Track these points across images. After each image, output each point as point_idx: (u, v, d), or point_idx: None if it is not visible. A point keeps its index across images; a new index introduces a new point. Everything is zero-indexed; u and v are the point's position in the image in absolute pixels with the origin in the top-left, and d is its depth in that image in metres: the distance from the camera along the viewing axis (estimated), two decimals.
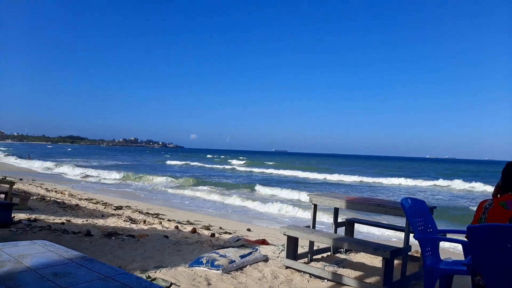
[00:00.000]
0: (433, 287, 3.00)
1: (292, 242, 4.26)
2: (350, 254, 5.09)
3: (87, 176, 25.08)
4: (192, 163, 49.19)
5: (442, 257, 3.39)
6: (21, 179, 17.08)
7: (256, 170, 38.70)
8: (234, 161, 57.16)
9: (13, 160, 36.94)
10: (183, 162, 50.91)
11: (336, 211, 4.82)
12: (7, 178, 10.23)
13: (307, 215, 12.15)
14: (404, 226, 3.96)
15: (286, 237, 4.28)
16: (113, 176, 25.43)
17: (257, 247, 5.13)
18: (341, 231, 5.18)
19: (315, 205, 4.38)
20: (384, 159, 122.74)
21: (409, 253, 4.11)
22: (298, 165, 51.80)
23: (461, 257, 3.92)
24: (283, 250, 4.99)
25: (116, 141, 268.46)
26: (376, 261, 4.85)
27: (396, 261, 4.16)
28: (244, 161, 58.06)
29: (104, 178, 24.20)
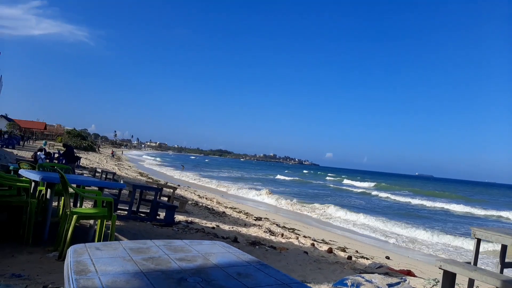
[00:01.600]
0: None
1: (449, 278, 3.86)
2: None
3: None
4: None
5: None
6: (179, 185, 19.50)
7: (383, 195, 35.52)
8: (362, 184, 53.65)
9: (168, 170, 41.88)
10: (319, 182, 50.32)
11: (503, 249, 4.19)
12: (168, 184, 11.81)
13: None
14: None
15: (435, 270, 3.91)
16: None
17: (405, 278, 4.80)
18: (508, 273, 4.47)
19: (479, 240, 3.90)
20: None
21: None
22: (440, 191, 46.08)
23: None
24: (435, 285, 4.57)
25: (257, 156, 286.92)
26: None
27: None
28: (374, 184, 53.91)
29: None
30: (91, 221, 4.44)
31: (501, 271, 4.26)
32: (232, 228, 8.55)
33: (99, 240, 3.96)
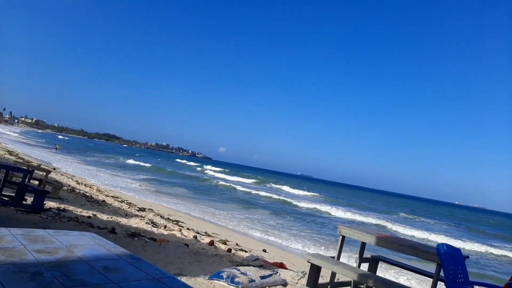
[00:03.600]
0: None
1: (315, 271, 4.22)
2: None
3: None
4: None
5: None
6: (54, 168, 17.67)
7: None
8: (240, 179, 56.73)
9: (42, 151, 38.11)
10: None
11: (363, 246, 4.74)
12: (41, 166, 10.63)
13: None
14: (433, 271, 3.86)
15: (305, 263, 4.24)
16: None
17: (277, 270, 5.10)
18: (364, 267, 5.07)
19: (343, 237, 4.33)
20: (415, 200, 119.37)
21: None
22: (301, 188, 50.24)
23: None
24: (303, 277, 4.94)
25: (149, 144, 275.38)
26: None
27: None
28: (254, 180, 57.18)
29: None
30: None
31: (359, 266, 4.81)
32: (111, 218, 8.08)
33: None
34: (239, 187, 32.62)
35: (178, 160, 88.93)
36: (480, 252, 18.40)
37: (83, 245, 1.82)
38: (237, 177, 50.25)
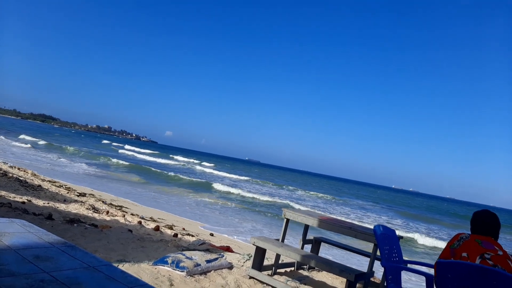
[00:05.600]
0: None
1: (260, 253, 4.29)
2: (313, 272, 5.16)
3: None
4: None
5: (403, 286, 3.51)
6: None
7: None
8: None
9: None
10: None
11: (306, 228, 4.89)
12: None
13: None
14: (370, 251, 4.08)
15: (251, 246, 4.31)
16: None
17: (223, 254, 5.12)
18: (308, 248, 5.25)
19: (288, 220, 4.43)
20: (350, 182, 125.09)
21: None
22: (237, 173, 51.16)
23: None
24: (248, 259, 5.01)
25: (89, 126, 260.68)
26: (336, 282, 4.95)
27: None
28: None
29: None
30: None
31: (302, 247, 4.97)
32: (49, 203, 7.63)
33: None
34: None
35: (105, 141, 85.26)
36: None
37: (12, 233, 1.69)
38: (155, 158, 49.72)
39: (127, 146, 68.26)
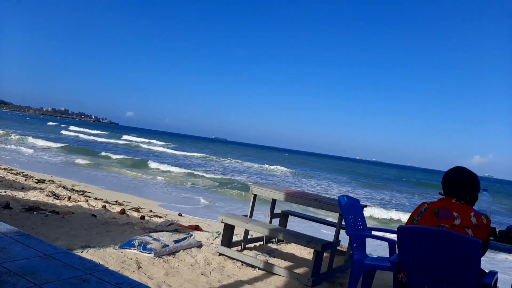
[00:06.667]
0: (357, 280, 3.21)
1: (229, 230, 4.30)
2: (281, 244, 5.26)
3: None
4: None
5: (368, 253, 3.64)
6: None
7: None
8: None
9: None
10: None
11: (273, 203, 4.94)
12: None
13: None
14: (336, 221, 4.18)
15: (220, 224, 4.31)
16: None
17: (191, 233, 5.10)
18: (276, 222, 5.33)
19: (255, 195, 4.45)
20: (313, 155, 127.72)
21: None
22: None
23: (386, 254, 4.23)
24: (217, 237, 5.03)
25: (44, 109, 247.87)
26: (305, 253, 5.07)
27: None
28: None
29: None
30: None
31: (270, 222, 5.02)
32: (5, 192, 7.26)
33: None
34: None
35: (50, 123, 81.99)
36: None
37: None
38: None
39: (72, 127, 66.76)
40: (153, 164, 22.64)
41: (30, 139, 28.30)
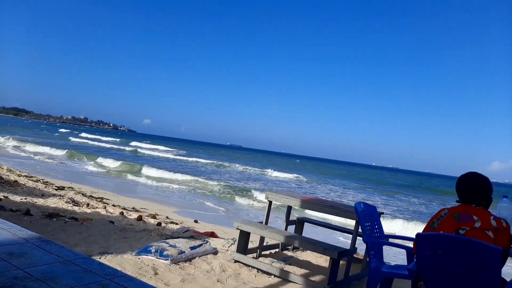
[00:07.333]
0: None
1: (244, 237, 4.31)
2: (297, 252, 5.23)
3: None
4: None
5: (385, 260, 3.59)
6: None
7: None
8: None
9: None
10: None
11: (289, 209, 4.93)
12: None
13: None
14: (352, 228, 4.14)
15: (235, 231, 4.31)
16: None
17: (207, 239, 5.12)
18: (291, 229, 5.30)
19: (270, 202, 4.45)
20: (330, 162, 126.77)
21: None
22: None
23: (403, 262, 4.17)
24: (233, 244, 5.03)
25: (64, 118, 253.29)
26: (321, 260, 5.03)
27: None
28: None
29: None
30: None
31: (286, 228, 5.01)
32: (26, 199, 7.44)
33: None
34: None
35: (62, 130, 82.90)
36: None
37: None
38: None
39: (82, 134, 68.09)
40: (151, 172, 21.64)
41: (28, 145, 28.15)
